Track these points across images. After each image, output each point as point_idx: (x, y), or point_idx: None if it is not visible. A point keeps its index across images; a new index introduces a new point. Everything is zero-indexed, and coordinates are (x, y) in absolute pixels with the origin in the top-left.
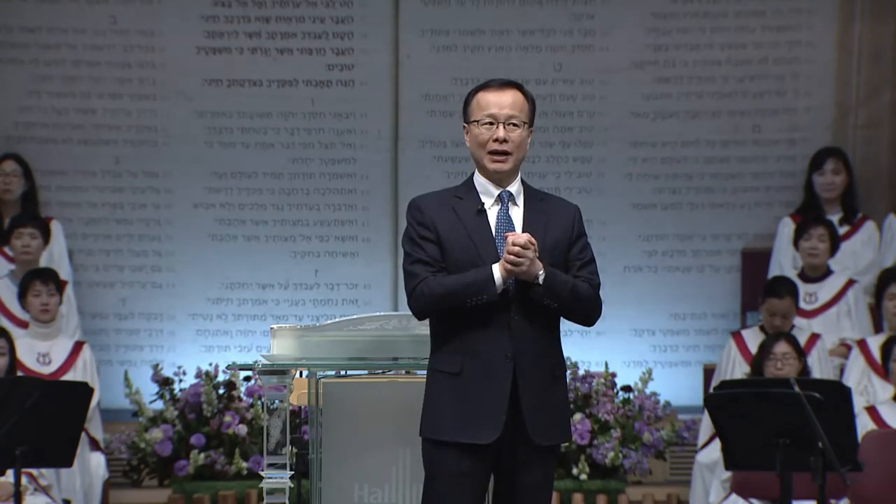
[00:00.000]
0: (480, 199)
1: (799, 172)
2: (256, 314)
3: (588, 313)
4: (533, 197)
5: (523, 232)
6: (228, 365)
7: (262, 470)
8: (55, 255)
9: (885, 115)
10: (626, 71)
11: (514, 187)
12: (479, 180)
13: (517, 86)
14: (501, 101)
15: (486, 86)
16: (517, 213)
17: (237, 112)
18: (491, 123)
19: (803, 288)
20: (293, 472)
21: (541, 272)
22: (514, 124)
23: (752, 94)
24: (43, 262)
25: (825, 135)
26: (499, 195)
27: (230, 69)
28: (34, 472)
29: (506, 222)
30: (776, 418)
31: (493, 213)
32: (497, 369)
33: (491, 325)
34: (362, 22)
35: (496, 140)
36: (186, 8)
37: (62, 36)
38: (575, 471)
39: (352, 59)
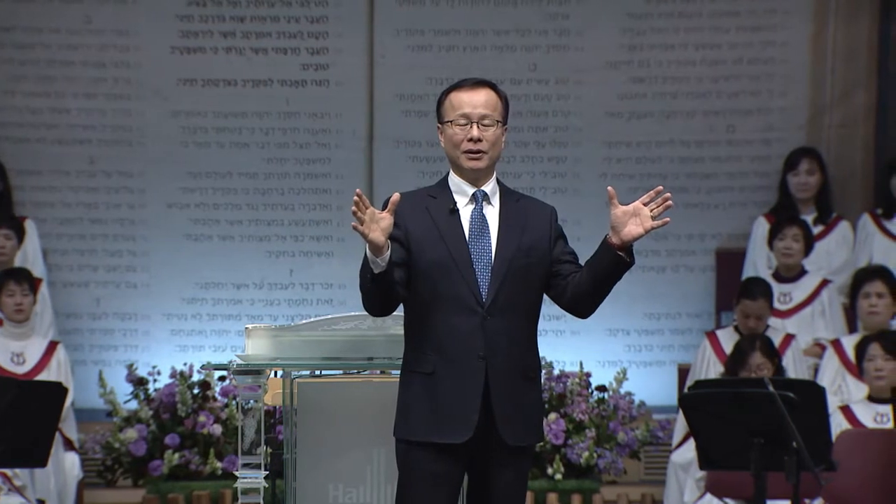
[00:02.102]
0: (453, 199)
1: (773, 172)
2: (231, 314)
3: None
4: (509, 197)
5: (499, 233)
6: (203, 365)
7: (237, 470)
8: (29, 255)
9: (859, 114)
10: (600, 71)
11: (489, 187)
12: (454, 180)
13: (490, 85)
14: (474, 101)
15: (458, 85)
16: (492, 213)
17: (212, 112)
18: (465, 123)
19: (778, 288)
20: (268, 472)
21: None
22: (488, 123)
23: (727, 95)
24: (17, 262)
25: (799, 135)
26: (473, 194)
27: (205, 69)
28: (8, 472)
29: (480, 222)
30: (750, 418)
31: (466, 213)
32: (469, 369)
33: (464, 325)
34: (337, 21)
35: (470, 139)
36: (161, 7)
37: (37, 35)
38: (550, 471)
39: (326, 58)
